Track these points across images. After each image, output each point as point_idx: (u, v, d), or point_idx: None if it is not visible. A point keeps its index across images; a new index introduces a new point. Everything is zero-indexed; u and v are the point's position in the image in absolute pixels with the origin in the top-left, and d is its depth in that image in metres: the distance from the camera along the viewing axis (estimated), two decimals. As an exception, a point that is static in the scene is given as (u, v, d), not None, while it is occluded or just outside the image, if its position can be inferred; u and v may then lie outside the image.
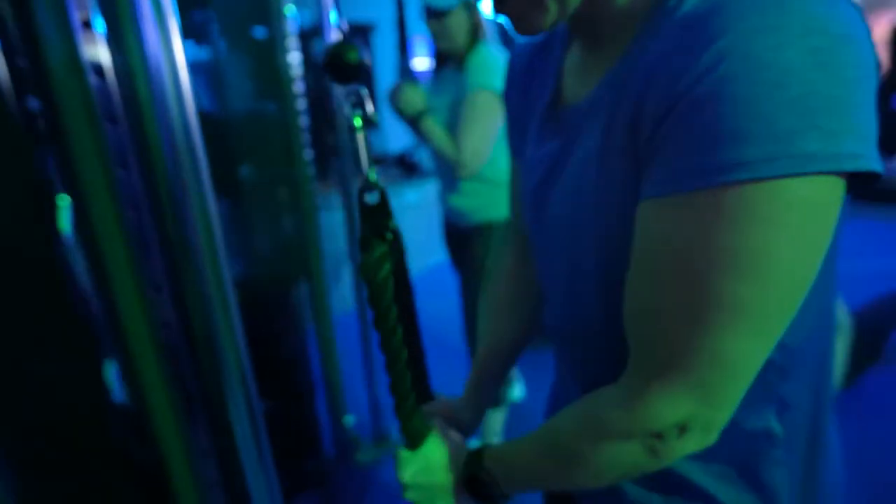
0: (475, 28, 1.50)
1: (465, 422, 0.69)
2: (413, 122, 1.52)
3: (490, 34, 1.55)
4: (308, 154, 1.55)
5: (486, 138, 1.47)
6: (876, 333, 2.08)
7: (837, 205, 0.35)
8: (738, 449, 0.48)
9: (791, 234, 0.34)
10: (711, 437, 0.41)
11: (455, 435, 0.59)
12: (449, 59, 1.59)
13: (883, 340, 2.10)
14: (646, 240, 0.39)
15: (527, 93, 0.61)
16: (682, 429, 0.40)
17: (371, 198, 0.52)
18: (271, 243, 1.55)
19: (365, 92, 0.50)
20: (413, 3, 1.80)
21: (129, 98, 0.62)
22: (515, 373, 2.25)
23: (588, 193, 0.45)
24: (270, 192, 1.50)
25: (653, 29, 0.39)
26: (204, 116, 0.65)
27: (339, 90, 1.64)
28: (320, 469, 1.74)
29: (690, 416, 0.39)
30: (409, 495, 0.55)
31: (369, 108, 0.50)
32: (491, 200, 1.57)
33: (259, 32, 1.44)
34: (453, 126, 1.50)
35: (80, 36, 0.61)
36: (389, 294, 0.51)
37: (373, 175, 0.51)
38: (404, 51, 2.25)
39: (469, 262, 1.67)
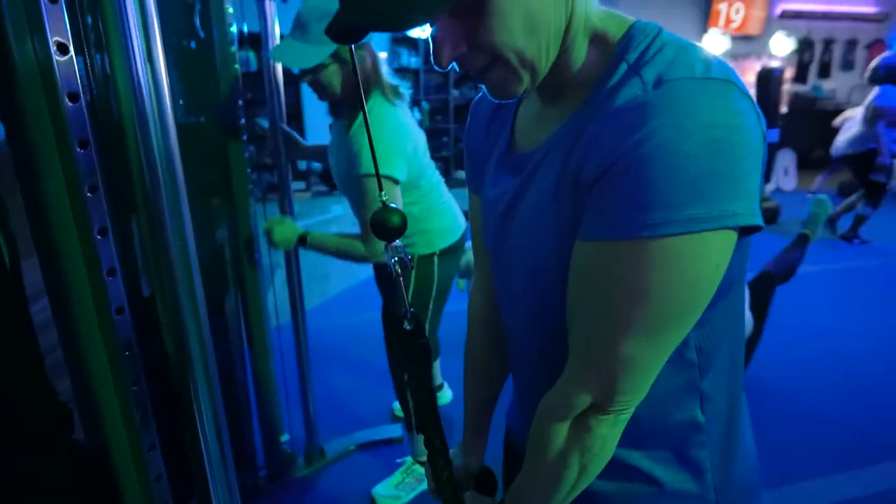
0: (356, 77, 1.38)
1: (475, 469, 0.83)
2: (298, 248, 1.53)
3: (386, 76, 1.44)
4: (247, 166, 1.54)
5: None
6: (764, 297, 2.39)
7: (726, 250, 0.46)
8: (672, 436, 0.59)
9: (678, 275, 0.45)
10: (626, 415, 0.53)
11: (480, 498, 0.74)
12: (338, 107, 1.50)
13: (769, 298, 2.42)
14: (575, 272, 0.51)
15: (486, 136, 0.70)
16: (600, 408, 0.52)
17: (407, 325, 0.62)
18: (205, 254, 1.51)
19: (402, 247, 0.59)
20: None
21: (106, 121, 0.63)
22: (441, 378, 2.32)
23: (548, 223, 0.54)
24: (206, 202, 1.46)
25: (596, 101, 0.49)
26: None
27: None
28: (254, 485, 1.70)
29: (605, 399, 0.51)
30: None
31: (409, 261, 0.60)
32: (409, 241, 1.60)
33: (199, 42, 1.41)
34: (346, 177, 1.43)
35: (55, 59, 0.61)
36: (435, 406, 0.63)
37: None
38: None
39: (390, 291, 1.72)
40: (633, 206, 0.43)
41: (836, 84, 8.08)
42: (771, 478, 1.85)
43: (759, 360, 2.34)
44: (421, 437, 1.83)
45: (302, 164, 6.33)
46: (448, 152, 7.10)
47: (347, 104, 1.44)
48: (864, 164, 4.34)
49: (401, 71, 6.69)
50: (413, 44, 6.61)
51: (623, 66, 0.48)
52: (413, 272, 1.61)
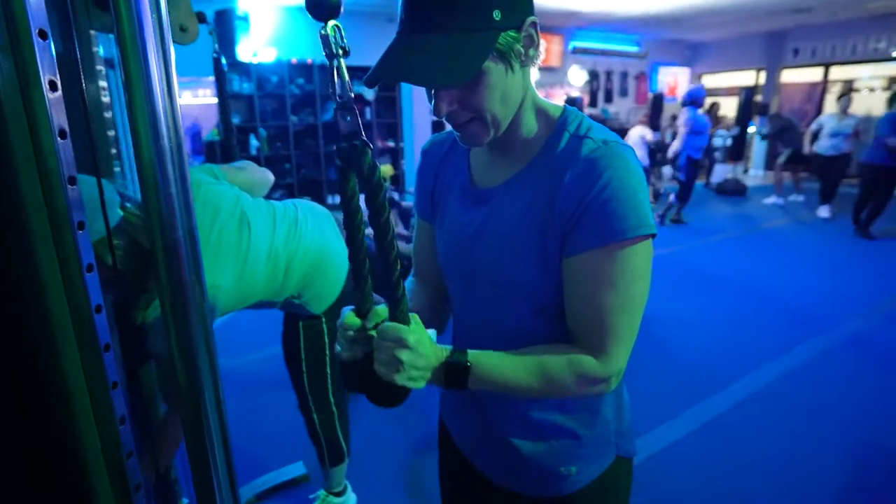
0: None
1: None
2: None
3: None
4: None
5: None
6: None
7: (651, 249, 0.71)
8: (587, 399, 0.80)
9: (646, 263, 0.69)
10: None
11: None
12: None
13: None
14: (580, 276, 0.69)
15: (437, 174, 0.88)
16: (622, 370, 0.72)
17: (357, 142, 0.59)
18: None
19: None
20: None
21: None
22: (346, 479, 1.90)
23: (520, 239, 0.73)
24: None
25: (549, 157, 0.72)
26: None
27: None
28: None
29: (625, 362, 0.72)
30: (405, 355, 0.63)
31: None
32: (301, 300, 1.46)
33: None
34: None
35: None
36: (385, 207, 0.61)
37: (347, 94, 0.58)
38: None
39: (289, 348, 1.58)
40: (613, 222, 0.66)
41: (618, 107, 9.85)
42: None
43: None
44: (336, 469, 1.78)
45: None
46: (291, 179, 6.95)
47: None
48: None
49: (234, 97, 6.39)
50: (245, 70, 6.36)
51: (566, 135, 0.72)
52: (301, 338, 1.50)
